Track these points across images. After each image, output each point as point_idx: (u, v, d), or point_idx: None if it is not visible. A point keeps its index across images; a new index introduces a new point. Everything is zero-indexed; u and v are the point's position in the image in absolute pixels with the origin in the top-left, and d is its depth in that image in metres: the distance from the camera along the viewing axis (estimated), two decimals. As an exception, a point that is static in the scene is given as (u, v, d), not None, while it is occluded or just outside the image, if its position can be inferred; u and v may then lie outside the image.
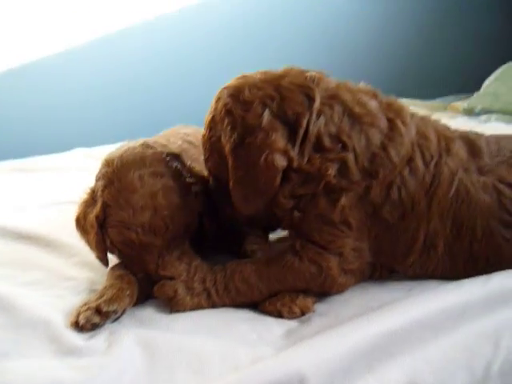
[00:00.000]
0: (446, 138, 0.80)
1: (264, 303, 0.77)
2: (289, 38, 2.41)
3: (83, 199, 0.86)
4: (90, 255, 0.94)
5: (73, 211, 0.88)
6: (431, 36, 2.60)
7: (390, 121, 0.75)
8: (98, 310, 0.75)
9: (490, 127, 1.68)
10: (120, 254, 0.85)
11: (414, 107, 2.31)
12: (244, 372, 0.59)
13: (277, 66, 0.81)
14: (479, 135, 0.84)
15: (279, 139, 0.72)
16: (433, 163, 0.76)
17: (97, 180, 0.83)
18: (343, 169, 0.73)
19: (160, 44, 2.24)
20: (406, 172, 0.75)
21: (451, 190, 0.76)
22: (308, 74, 0.76)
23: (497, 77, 2.16)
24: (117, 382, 0.62)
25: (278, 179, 0.73)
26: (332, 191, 0.74)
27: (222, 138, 0.75)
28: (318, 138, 0.73)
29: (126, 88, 2.18)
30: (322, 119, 0.73)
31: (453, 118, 2.02)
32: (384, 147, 0.74)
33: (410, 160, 0.75)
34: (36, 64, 2.01)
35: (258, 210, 0.77)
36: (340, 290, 0.79)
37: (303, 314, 0.75)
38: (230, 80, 0.80)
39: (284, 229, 0.86)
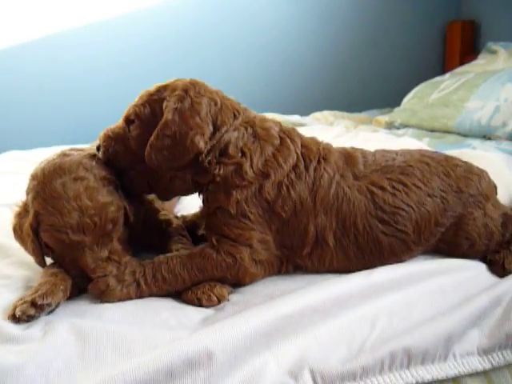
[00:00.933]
0: (325, 149, 0.97)
1: (186, 292, 0.89)
2: (224, 49, 2.52)
3: (17, 212, 0.94)
4: (25, 255, 1.02)
5: (7, 213, 0.95)
6: (360, 54, 2.79)
7: (282, 139, 0.95)
8: (33, 303, 0.82)
9: (403, 141, 1.87)
10: (54, 255, 0.93)
11: (342, 119, 2.51)
12: (160, 350, 0.70)
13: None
14: (356, 149, 1.01)
15: (207, 131, 0.89)
16: (312, 168, 0.93)
17: (27, 194, 0.92)
18: (239, 170, 0.90)
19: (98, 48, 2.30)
20: (292, 175, 0.92)
21: (331, 190, 0.92)
22: (241, 105, 0.98)
23: (414, 94, 2.38)
24: (52, 362, 0.71)
25: (191, 156, 0.89)
26: (228, 187, 0.90)
27: (166, 101, 0.89)
28: (226, 146, 0.91)
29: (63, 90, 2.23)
30: (235, 133, 0.92)
31: (375, 130, 2.22)
32: (274, 156, 0.92)
33: (295, 166, 0.93)
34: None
35: (161, 167, 0.90)
36: (252, 279, 0.92)
37: (219, 301, 0.87)
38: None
39: (201, 226, 1.01)
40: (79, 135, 2.02)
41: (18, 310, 0.82)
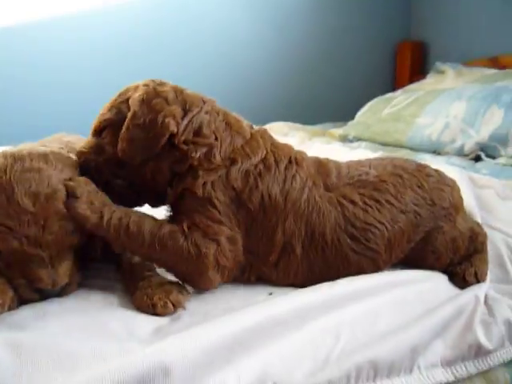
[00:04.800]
0: (298, 153, 0.94)
1: (141, 296, 0.82)
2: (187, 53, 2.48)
3: None
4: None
5: None
6: (314, 68, 2.82)
7: (252, 134, 0.92)
8: None
9: (359, 152, 1.88)
10: None
11: (297, 131, 2.51)
12: (109, 365, 0.63)
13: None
14: (329, 160, 0.98)
15: (177, 112, 0.86)
16: (283, 165, 0.89)
17: None
18: (208, 153, 0.86)
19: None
20: (261, 166, 0.88)
21: (303, 195, 0.88)
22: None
23: (368, 109, 2.41)
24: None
25: (163, 141, 0.84)
26: (196, 170, 0.86)
27: (132, 98, 0.87)
28: (200, 126, 0.87)
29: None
30: (207, 116, 0.89)
31: (329, 142, 2.22)
32: (243, 147, 0.89)
33: (264, 159, 0.89)
34: None
35: (136, 159, 0.85)
36: (207, 286, 0.85)
37: (175, 308, 0.81)
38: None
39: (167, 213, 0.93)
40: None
41: None
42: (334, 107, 2.84)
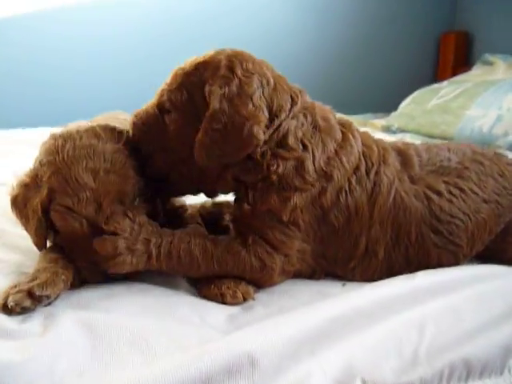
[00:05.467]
0: (383, 148, 0.87)
1: (208, 286, 0.78)
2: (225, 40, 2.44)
3: (23, 181, 0.81)
4: (16, 237, 0.89)
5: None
6: (356, 58, 2.76)
7: (343, 133, 0.83)
8: (29, 294, 0.71)
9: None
10: (58, 239, 0.81)
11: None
12: (194, 352, 0.60)
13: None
14: (409, 145, 0.92)
15: (264, 118, 0.75)
16: (373, 172, 0.82)
17: (41, 165, 0.79)
18: (300, 168, 0.77)
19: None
20: (353, 179, 0.80)
21: (390, 197, 0.82)
22: (295, 85, 0.83)
23: (412, 100, 2.34)
24: (57, 361, 0.60)
25: (250, 150, 0.75)
26: (285, 189, 0.76)
27: (209, 85, 0.74)
28: (285, 136, 0.77)
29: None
30: (294, 122, 0.78)
31: (372, 133, 2.16)
32: (337, 154, 0.80)
33: (356, 168, 0.81)
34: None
35: (211, 166, 0.77)
36: (271, 286, 0.81)
37: (245, 300, 0.77)
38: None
39: (232, 226, 0.86)
40: (63, 116, 1.88)
41: (10, 299, 0.70)
42: (374, 97, 2.77)
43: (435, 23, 2.92)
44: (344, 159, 0.79)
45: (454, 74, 2.76)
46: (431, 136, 2.10)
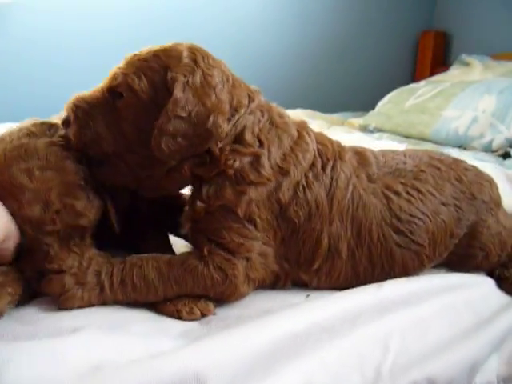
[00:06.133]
0: (339, 146, 0.86)
1: (164, 303, 0.74)
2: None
3: None
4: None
5: None
6: (334, 56, 2.74)
7: (298, 131, 0.81)
8: None
9: (384, 143, 1.80)
10: None
11: (315, 119, 2.42)
12: (135, 367, 0.56)
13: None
14: (365, 149, 0.90)
15: (227, 111, 0.73)
16: (329, 167, 0.80)
17: None
18: (255, 163, 0.75)
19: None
20: (310, 174, 0.78)
21: (347, 193, 0.80)
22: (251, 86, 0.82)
23: (390, 99, 2.32)
24: None
25: (213, 141, 0.73)
26: (240, 183, 0.74)
27: (172, 72, 0.72)
28: (242, 131, 0.76)
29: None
30: (251, 117, 0.77)
31: (350, 132, 2.14)
32: (293, 150, 0.78)
33: (312, 165, 0.79)
34: None
35: (175, 158, 0.73)
36: (238, 299, 0.77)
37: (203, 315, 0.73)
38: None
39: (186, 226, 0.80)
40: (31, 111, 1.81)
41: None
42: (352, 96, 2.75)
43: (414, 22, 2.91)
44: (300, 155, 0.78)
45: (432, 73, 2.75)
46: (408, 136, 2.09)
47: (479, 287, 0.85)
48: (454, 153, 1.83)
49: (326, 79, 2.73)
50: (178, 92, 0.70)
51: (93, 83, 0.79)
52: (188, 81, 0.71)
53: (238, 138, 0.76)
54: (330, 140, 0.86)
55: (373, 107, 2.40)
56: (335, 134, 1.97)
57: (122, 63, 0.75)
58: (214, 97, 0.72)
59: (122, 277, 0.72)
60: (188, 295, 0.74)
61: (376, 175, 0.84)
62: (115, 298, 0.72)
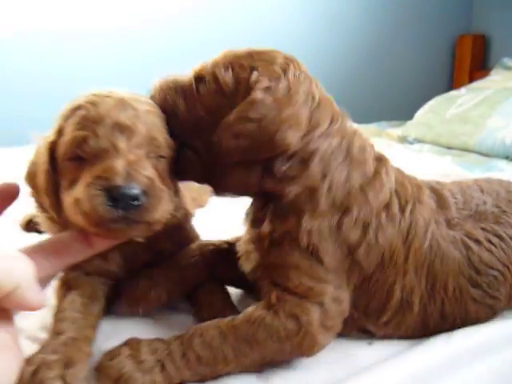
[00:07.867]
0: (416, 185, 0.77)
1: None
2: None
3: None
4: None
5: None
6: (369, 65, 2.68)
7: (376, 169, 0.73)
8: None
9: (426, 158, 1.73)
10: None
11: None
12: None
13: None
14: (442, 185, 0.82)
15: (303, 126, 0.67)
16: (408, 210, 0.72)
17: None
18: (311, 196, 0.69)
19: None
20: (383, 216, 0.70)
21: (426, 241, 0.72)
22: (340, 109, 0.75)
23: (430, 108, 2.24)
24: None
25: (276, 153, 0.67)
26: (298, 211, 0.68)
27: (258, 73, 0.68)
28: (311, 156, 0.69)
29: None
30: (325, 143, 0.69)
31: (389, 145, 2.06)
32: (362, 189, 0.70)
33: (387, 205, 0.71)
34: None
35: (233, 157, 0.68)
36: (319, 350, 0.67)
37: None
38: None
39: (251, 261, 0.74)
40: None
41: None
42: (387, 105, 2.68)
43: (451, 25, 2.82)
44: (370, 194, 0.70)
45: (471, 78, 2.66)
46: (450, 147, 2.01)
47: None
48: (502, 164, 1.75)
49: (360, 87, 2.67)
50: (256, 93, 0.66)
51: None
52: (271, 86, 0.67)
53: (303, 162, 0.69)
54: (406, 176, 0.78)
55: (409, 116, 2.32)
56: (375, 147, 1.91)
57: (218, 54, 0.74)
58: (292, 109, 0.66)
59: (183, 350, 0.63)
60: (262, 354, 0.65)
61: (455, 220, 0.76)
62: (181, 375, 0.62)
